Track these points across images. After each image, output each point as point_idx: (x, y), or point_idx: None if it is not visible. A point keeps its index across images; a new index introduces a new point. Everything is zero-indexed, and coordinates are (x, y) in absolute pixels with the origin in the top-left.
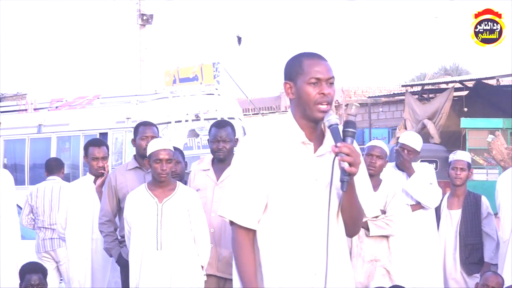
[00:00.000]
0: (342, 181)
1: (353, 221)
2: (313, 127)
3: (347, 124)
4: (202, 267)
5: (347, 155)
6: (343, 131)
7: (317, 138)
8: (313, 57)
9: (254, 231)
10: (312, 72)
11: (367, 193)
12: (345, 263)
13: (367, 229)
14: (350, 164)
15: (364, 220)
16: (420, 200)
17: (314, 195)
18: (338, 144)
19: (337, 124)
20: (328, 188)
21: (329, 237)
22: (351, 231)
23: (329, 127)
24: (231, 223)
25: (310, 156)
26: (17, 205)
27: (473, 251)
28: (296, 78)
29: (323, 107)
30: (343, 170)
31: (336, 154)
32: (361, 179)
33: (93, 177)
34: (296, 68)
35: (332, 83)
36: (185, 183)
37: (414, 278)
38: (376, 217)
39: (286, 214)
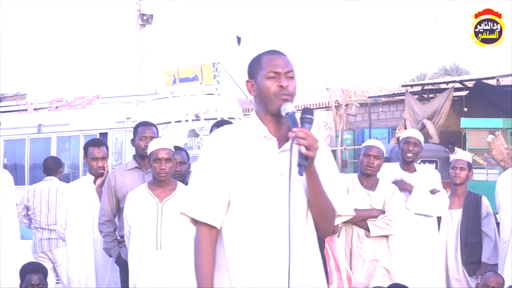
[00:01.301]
0: (299, 165)
1: (322, 217)
2: (277, 122)
3: (305, 111)
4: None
5: (303, 139)
6: (301, 117)
7: (283, 134)
8: (271, 53)
9: (216, 230)
10: (270, 66)
11: (337, 191)
12: (314, 262)
13: (368, 229)
14: (307, 148)
15: (342, 220)
16: (426, 213)
17: (280, 190)
18: (294, 129)
19: (294, 112)
20: (296, 182)
21: (294, 233)
22: (322, 230)
23: (285, 115)
24: (194, 221)
25: (274, 151)
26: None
27: (474, 250)
28: (256, 75)
29: (284, 98)
30: (300, 154)
31: (293, 140)
32: (331, 176)
33: (92, 177)
34: (256, 66)
35: (291, 77)
36: (187, 184)
37: (416, 278)
38: (376, 217)
39: (250, 211)
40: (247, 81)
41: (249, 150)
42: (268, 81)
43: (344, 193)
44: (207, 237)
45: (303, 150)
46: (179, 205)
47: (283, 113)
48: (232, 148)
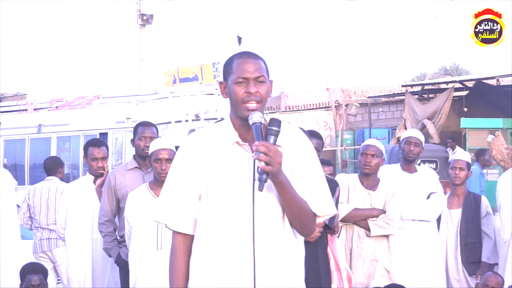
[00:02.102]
0: (259, 180)
1: (297, 220)
2: (249, 127)
3: (271, 122)
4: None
5: (265, 154)
6: (267, 129)
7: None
8: (242, 56)
9: (192, 237)
10: (239, 71)
11: (316, 191)
12: (291, 265)
13: (368, 229)
14: (267, 163)
15: (323, 219)
16: (421, 219)
17: (250, 196)
18: (256, 143)
19: (260, 123)
20: (270, 187)
21: (267, 237)
22: (301, 232)
23: (252, 125)
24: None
25: (246, 156)
26: (17, 205)
27: (474, 250)
28: (227, 78)
29: (251, 105)
30: (261, 169)
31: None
32: (310, 176)
33: (92, 177)
34: (227, 68)
35: (262, 82)
36: None
37: (416, 279)
38: (376, 217)
39: (221, 216)
40: (220, 83)
41: (221, 156)
42: (236, 86)
43: (325, 192)
44: (181, 244)
45: (261, 165)
46: (152, 212)
47: (250, 123)
48: (204, 153)
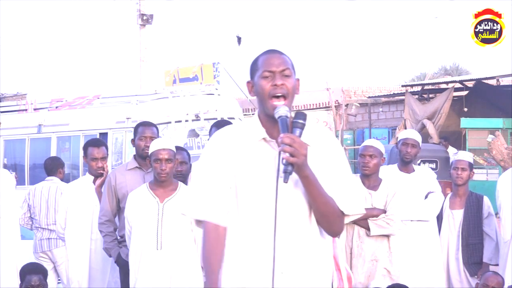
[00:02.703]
0: (284, 172)
1: (324, 218)
2: (276, 123)
3: (297, 115)
4: (202, 268)
5: (289, 145)
6: (292, 122)
7: None
8: (267, 52)
9: (224, 229)
10: (264, 66)
11: (345, 190)
12: (316, 262)
13: (368, 228)
14: (292, 155)
15: (351, 219)
16: (419, 219)
17: (275, 191)
18: (281, 135)
19: (286, 116)
20: (297, 183)
21: (293, 234)
22: (327, 230)
23: (278, 118)
24: (198, 222)
25: (273, 153)
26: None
27: (475, 251)
28: (254, 75)
29: (278, 103)
30: (285, 161)
31: (279, 146)
32: (339, 175)
33: (92, 177)
34: (254, 67)
35: (288, 75)
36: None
37: (416, 279)
38: (377, 217)
39: (248, 212)
40: (247, 82)
41: (248, 152)
42: (263, 81)
43: (354, 191)
44: (214, 233)
45: (287, 157)
46: (181, 206)
47: (276, 116)
48: (232, 149)
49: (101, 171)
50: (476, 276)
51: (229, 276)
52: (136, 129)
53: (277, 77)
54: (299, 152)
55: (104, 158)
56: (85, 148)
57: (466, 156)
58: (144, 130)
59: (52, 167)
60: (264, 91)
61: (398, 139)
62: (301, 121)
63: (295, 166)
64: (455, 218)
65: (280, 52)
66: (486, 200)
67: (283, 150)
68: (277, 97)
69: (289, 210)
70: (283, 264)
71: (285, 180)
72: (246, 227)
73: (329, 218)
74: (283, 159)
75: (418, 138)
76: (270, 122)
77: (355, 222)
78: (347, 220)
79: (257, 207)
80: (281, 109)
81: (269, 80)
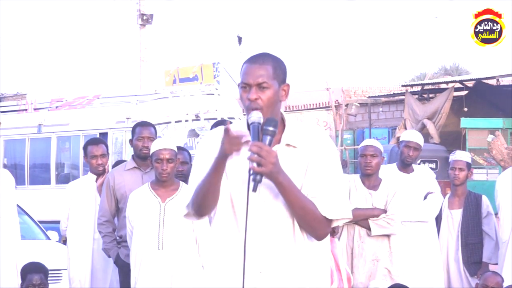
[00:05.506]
0: (253, 180)
1: (304, 222)
2: None
3: (267, 121)
4: (203, 267)
5: (257, 154)
6: (263, 129)
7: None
8: (249, 61)
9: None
10: (242, 77)
11: (328, 194)
12: (302, 264)
13: (369, 228)
14: (259, 164)
15: (339, 223)
16: (418, 220)
17: (258, 193)
18: (250, 143)
19: (258, 123)
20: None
21: (276, 237)
22: (310, 233)
23: (250, 124)
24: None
25: None
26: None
27: (475, 250)
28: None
29: (255, 110)
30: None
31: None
32: (324, 178)
33: (94, 176)
34: (240, 72)
35: (265, 87)
36: None
37: (416, 279)
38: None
39: (230, 212)
40: (239, 84)
41: (233, 154)
42: (242, 91)
43: (339, 196)
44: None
45: (253, 166)
46: (182, 209)
47: (249, 122)
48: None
49: (101, 168)
50: (476, 276)
51: (208, 276)
52: (133, 129)
53: (252, 91)
54: (267, 161)
55: (104, 155)
56: (85, 147)
57: (463, 156)
58: (141, 131)
59: None
60: (243, 101)
61: (401, 140)
62: (271, 128)
63: (264, 174)
64: (454, 218)
65: (264, 60)
66: (485, 199)
67: (250, 159)
68: (255, 108)
69: (268, 212)
70: (261, 264)
71: (254, 189)
72: (222, 228)
73: (309, 223)
74: (249, 169)
75: (420, 141)
76: None
77: (355, 222)
78: (334, 224)
79: (232, 209)
80: (254, 115)
81: (246, 92)
